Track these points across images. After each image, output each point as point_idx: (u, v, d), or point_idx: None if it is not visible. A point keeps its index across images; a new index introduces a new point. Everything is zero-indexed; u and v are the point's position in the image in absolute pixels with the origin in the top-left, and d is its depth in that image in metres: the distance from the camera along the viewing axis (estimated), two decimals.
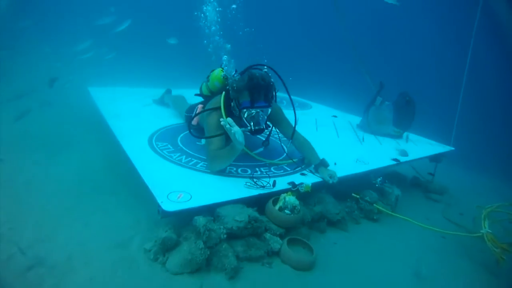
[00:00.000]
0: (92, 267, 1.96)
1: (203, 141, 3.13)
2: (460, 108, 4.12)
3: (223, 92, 2.75)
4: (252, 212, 2.21)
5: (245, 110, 2.55)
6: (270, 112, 2.72)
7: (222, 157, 2.57)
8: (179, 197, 2.20)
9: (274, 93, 2.66)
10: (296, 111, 2.90)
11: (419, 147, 4.01)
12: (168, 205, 2.09)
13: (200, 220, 2.07)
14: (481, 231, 2.48)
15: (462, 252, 2.65)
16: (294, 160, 2.95)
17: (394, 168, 3.54)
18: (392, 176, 3.65)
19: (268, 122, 2.91)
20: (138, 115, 3.93)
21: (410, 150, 3.67)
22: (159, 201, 2.11)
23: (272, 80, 2.60)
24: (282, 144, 3.06)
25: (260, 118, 2.58)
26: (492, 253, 2.38)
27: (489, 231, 2.45)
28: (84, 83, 4.77)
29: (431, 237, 2.76)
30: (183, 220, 2.25)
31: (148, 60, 6.59)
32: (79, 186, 2.79)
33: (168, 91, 4.59)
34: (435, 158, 3.92)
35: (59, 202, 2.52)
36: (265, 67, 2.69)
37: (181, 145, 3.14)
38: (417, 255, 2.52)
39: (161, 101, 4.50)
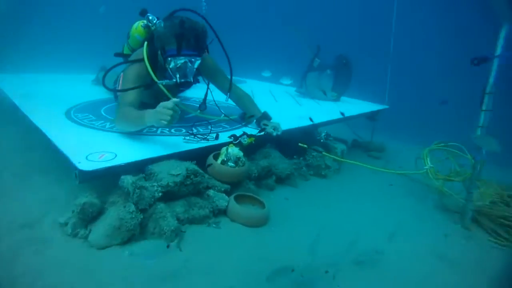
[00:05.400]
0: None
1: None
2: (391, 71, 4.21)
3: (146, 42, 2.33)
4: (190, 165, 1.91)
5: (170, 59, 2.18)
6: (204, 65, 2.44)
7: (130, 119, 2.13)
8: (100, 157, 1.82)
9: (206, 43, 2.37)
10: None
11: (356, 106, 4.05)
12: (87, 165, 1.71)
13: (128, 179, 1.72)
14: (424, 167, 2.53)
15: (408, 194, 2.67)
16: (233, 117, 2.70)
17: (336, 124, 3.52)
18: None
19: (204, 79, 2.64)
20: (53, 94, 3.40)
21: (347, 110, 3.67)
22: (75, 162, 1.72)
23: (205, 28, 2.27)
24: (218, 105, 2.70)
25: (188, 70, 2.22)
26: (435, 186, 2.45)
27: (432, 165, 2.50)
28: None
29: (378, 186, 2.78)
30: (108, 186, 1.87)
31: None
32: None
33: (103, 68, 4.11)
34: (372, 117, 4.01)
35: None
36: (196, 15, 2.31)
37: (105, 115, 2.72)
38: (367, 203, 2.47)
39: (97, 80, 4.11)
